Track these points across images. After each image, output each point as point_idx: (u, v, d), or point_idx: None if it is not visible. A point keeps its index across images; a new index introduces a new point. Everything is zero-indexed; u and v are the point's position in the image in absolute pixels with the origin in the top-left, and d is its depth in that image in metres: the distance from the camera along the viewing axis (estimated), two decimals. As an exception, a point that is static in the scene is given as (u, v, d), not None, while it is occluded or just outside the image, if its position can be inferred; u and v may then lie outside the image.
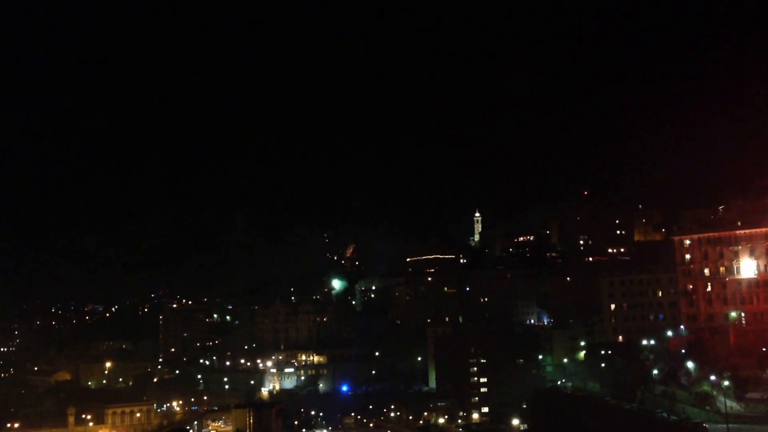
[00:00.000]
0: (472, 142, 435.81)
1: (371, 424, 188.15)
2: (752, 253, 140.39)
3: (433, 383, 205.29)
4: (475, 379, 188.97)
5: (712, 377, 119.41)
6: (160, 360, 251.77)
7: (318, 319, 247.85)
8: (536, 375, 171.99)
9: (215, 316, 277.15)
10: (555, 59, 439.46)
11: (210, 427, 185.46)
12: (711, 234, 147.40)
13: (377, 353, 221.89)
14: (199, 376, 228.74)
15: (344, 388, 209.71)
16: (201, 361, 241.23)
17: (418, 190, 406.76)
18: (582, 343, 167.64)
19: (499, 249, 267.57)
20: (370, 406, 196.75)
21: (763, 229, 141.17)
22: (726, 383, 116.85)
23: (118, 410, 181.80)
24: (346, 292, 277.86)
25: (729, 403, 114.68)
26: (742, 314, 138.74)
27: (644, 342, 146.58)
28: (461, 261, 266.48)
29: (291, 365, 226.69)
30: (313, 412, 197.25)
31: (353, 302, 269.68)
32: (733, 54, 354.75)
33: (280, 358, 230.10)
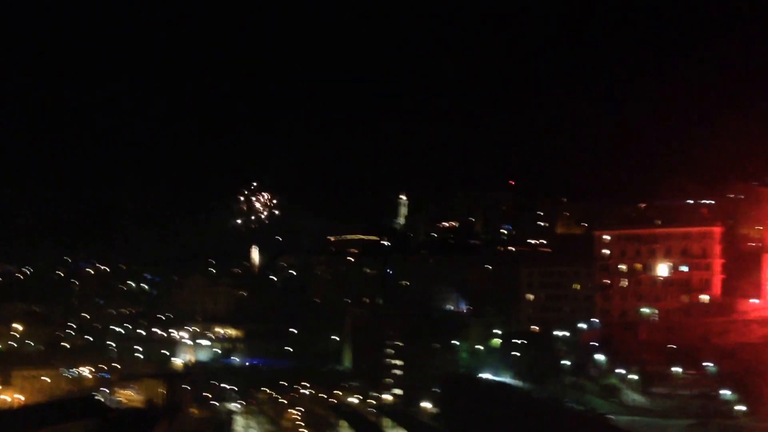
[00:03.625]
0: (402, 124, 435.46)
1: (283, 400, 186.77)
2: (668, 252, 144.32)
3: (348, 363, 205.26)
4: (390, 361, 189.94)
5: (621, 371, 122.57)
6: (73, 325, 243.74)
7: (237, 292, 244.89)
8: (450, 360, 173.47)
9: (132, 284, 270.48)
10: (489, 46, 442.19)
11: (120, 396, 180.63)
12: (630, 231, 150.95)
13: (294, 330, 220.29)
14: (112, 344, 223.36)
15: (259, 363, 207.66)
16: (114, 328, 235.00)
17: (344, 170, 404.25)
18: (498, 332, 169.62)
19: (423, 234, 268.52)
20: (284, 382, 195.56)
21: (680, 229, 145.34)
22: (633, 377, 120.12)
23: (27, 374, 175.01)
24: (266, 267, 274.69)
25: (635, 396, 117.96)
26: (655, 311, 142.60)
27: (558, 333, 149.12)
28: (384, 243, 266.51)
29: (206, 337, 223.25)
30: (225, 385, 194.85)
31: (273, 278, 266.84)
32: (664, 47, 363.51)
33: (196, 329, 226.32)
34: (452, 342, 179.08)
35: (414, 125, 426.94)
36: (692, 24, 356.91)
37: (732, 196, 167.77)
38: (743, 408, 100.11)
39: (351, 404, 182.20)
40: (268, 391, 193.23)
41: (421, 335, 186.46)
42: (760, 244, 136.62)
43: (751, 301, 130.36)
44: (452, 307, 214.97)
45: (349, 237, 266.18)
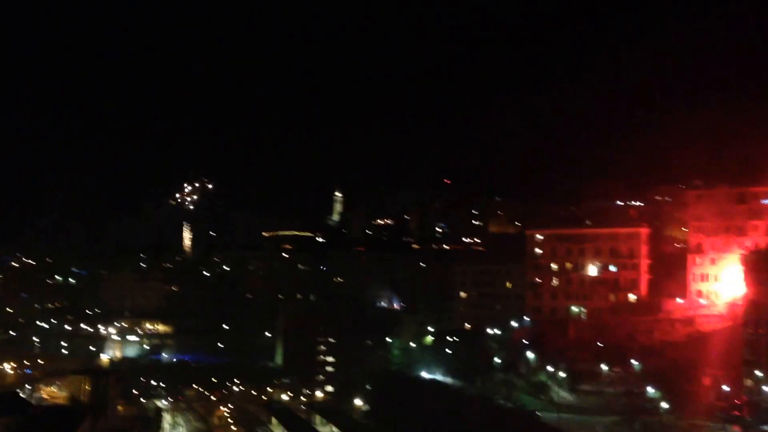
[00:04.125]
0: (337, 122, 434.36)
1: (213, 397, 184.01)
2: (597, 252, 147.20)
3: (280, 360, 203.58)
4: (323, 357, 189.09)
5: (550, 368, 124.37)
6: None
7: (167, 288, 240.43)
8: (383, 357, 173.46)
9: (59, 278, 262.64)
10: (425, 47, 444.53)
11: (43, 393, 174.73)
12: (561, 231, 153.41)
13: (226, 326, 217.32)
14: (36, 339, 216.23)
15: (189, 359, 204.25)
16: (39, 323, 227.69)
17: (280, 165, 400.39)
18: (431, 329, 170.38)
19: (358, 230, 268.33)
20: (214, 379, 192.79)
21: (609, 230, 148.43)
22: (562, 375, 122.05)
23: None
24: (198, 263, 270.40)
25: (563, 393, 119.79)
26: (584, 310, 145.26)
27: (490, 331, 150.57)
28: (319, 239, 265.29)
29: (135, 333, 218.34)
30: (154, 382, 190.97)
31: (205, 274, 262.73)
32: (596, 51, 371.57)
33: (124, 325, 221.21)
34: (385, 339, 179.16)
35: (350, 123, 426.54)
36: (622, 27, 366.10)
37: (659, 198, 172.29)
38: (667, 405, 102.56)
39: (282, 401, 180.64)
40: (198, 387, 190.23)
41: (354, 332, 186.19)
42: (685, 246, 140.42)
43: (676, 300, 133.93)
44: (386, 304, 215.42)
45: (283, 233, 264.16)
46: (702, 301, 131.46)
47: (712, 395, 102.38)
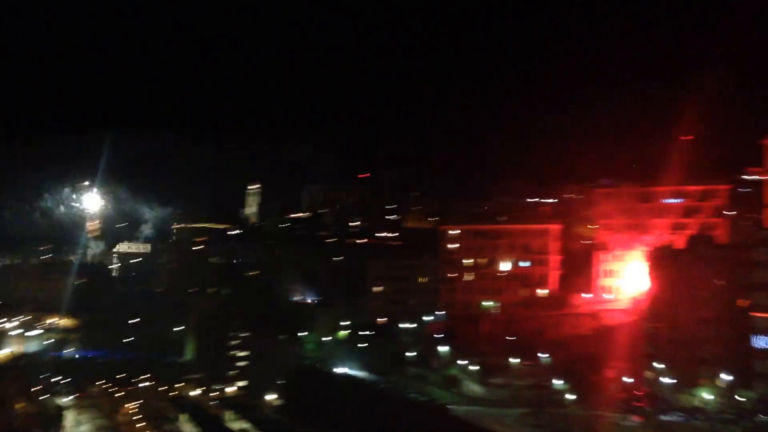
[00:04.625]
0: (252, 112, 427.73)
1: (119, 393, 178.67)
2: (510, 248, 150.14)
3: (190, 355, 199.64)
4: (235, 352, 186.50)
5: (462, 362, 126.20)
6: None
7: (72, 281, 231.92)
8: (296, 352, 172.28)
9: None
10: (342, 40, 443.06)
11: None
12: (475, 226, 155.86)
13: (134, 321, 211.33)
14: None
15: (94, 355, 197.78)
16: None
17: (192, 156, 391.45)
18: (345, 323, 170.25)
19: (273, 224, 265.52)
20: (121, 375, 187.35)
21: (522, 226, 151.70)
22: (473, 368, 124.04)
23: None
24: (106, 255, 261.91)
25: (474, 386, 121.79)
26: (495, 304, 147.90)
27: (403, 325, 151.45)
28: (232, 232, 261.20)
29: (37, 328, 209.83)
30: (56, 379, 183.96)
31: (113, 267, 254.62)
32: (519, 49, 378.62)
33: (26, 319, 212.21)
34: (299, 333, 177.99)
35: (265, 114, 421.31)
36: (534, 24, 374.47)
37: (569, 196, 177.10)
38: (573, 397, 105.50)
39: (192, 397, 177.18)
40: (102, 384, 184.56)
41: (267, 326, 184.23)
42: (593, 242, 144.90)
43: (584, 295, 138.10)
44: (300, 299, 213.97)
45: (195, 225, 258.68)
46: (607, 296, 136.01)
47: (615, 387, 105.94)
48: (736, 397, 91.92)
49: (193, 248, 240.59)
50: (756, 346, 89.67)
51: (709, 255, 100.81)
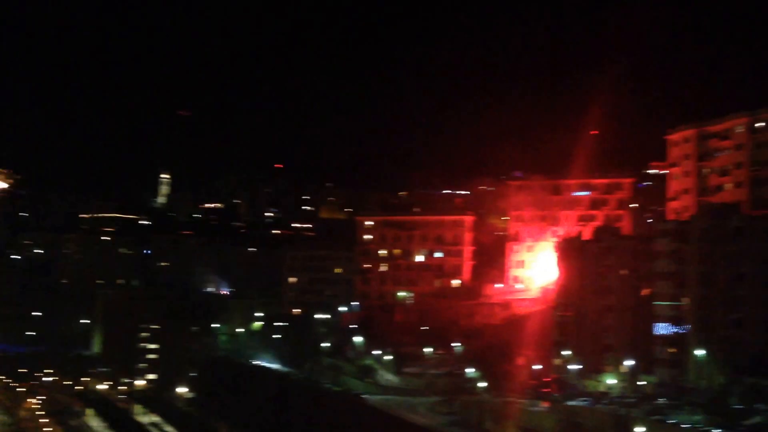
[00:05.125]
0: (166, 100, 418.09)
1: (22, 388, 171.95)
2: (424, 239, 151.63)
3: (98, 348, 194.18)
4: (145, 345, 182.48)
5: (377, 352, 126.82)
6: None
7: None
8: (209, 344, 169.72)
9: None
10: (261, 31, 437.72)
11: None
12: (390, 217, 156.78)
13: (38, 313, 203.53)
14: None
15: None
16: None
17: (101, 143, 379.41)
18: (260, 314, 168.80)
19: (186, 214, 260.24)
20: (23, 369, 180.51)
21: (436, 217, 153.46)
22: (388, 358, 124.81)
23: None
24: (7, 246, 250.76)
25: (388, 376, 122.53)
26: (410, 295, 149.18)
27: (319, 316, 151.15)
28: (142, 222, 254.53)
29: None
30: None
31: (15, 257, 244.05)
32: (434, 43, 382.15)
33: None
34: (212, 325, 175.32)
35: (178, 101, 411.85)
36: (447, 20, 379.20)
37: (483, 188, 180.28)
38: (484, 384, 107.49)
39: (100, 391, 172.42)
40: (3, 378, 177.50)
41: (179, 318, 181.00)
42: (505, 234, 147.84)
43: (496, 285, 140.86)
44: (214, 290, 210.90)
45: (103, 215, 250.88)
46: (519, 286, 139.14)
47: (525, 374, 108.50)
48: (639, 381, 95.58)
49: (101, 238, 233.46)
50: (658, 332, 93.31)
51: (614, 246, 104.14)
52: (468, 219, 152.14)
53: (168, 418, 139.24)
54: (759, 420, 72.97)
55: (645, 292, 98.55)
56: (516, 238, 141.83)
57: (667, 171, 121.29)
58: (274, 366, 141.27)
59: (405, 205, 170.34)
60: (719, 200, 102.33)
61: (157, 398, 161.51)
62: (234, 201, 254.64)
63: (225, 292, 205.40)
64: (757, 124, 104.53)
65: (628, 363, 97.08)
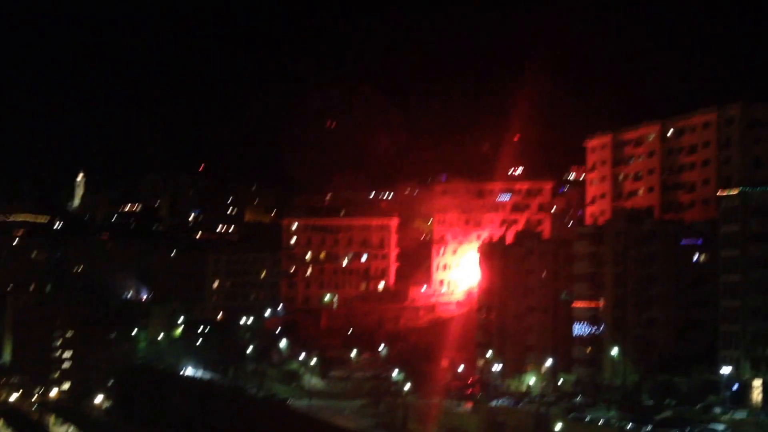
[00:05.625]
0: (80, 97, 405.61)
1: None
2: (350, 242, 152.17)
3: (8, 357, 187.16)
4: (59, 353, 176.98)
5: (302, 356, 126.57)
6: None
7: None
8: (128, 351, 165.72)
9: None
10: (187, 35, 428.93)
11: None
12: (316, 221, 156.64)
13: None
14: None
15: None
16: None
17: (10, 140, 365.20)
18: (182, 320, 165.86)
19: (102, 217, 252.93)
20: None
21: (361, 221, 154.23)
22: (314, 362, 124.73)
23: None
24: None
25: (314, 380, 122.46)
26: (336, 298, 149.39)
27: (243, 321, 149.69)
28: (56, 226, 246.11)
29: None
30: None
31: None
32: (356, 49, 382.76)
33: None
34: (131, 332, 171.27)
35: (93, 99, 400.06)
36: (362, 22, 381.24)
37: (408, 191, 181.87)
38: (409, 386, 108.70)
39: (10, 402, 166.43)
40: None
41: (96, 325, 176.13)
42: (430, 237, 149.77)
43: (421, 289, 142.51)
44: (133, 295, 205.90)
45: (12, 217, 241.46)
46: (444, 288, 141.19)
47: (449, 376, 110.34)
48: (558, 380, 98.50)
49: (10, 241, 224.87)
50: (576, 332, 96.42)
51: (535, 249, 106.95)
52: (393, 222, 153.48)
53: (84, 429, 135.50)
54: (669, 415, 76.46)
55: (564, 293, 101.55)
56: (441, 241, 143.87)
57: (586, 176, 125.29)
58: (197, 372, 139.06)
59: (331, 208, 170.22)
60: (633, 204, 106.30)
61: (72, 408, 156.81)
62: (155, 203, 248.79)
63: (145, 298, 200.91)
64: (668, 132, 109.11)
65: (549, 363, 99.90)
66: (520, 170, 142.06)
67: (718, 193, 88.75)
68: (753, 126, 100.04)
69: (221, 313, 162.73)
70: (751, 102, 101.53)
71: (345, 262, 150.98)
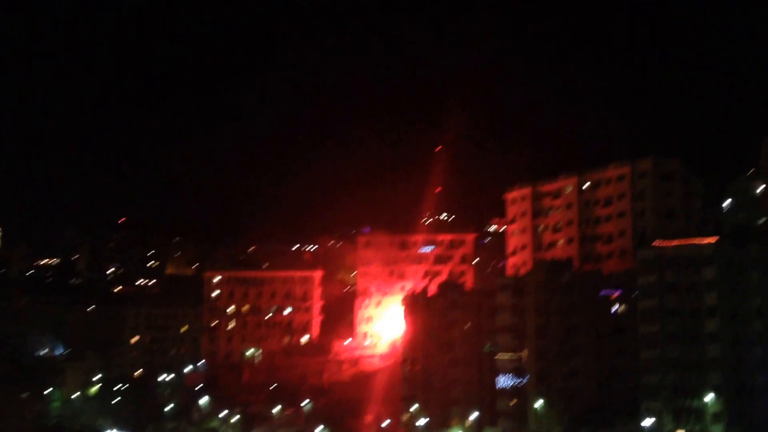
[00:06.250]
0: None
1: None
2: (273, 295, 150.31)
3: None
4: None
5: (224, 413, 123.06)
6: None
7: None
8: (41, 411, 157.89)
9: None
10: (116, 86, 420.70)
11: None
12: (239, 273, 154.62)
13: None
14: None
15: None
16: None
17: None
18: (98, 377, 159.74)
19: (17, 271, 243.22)
20: None
21: (285, 273, 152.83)
22: (235, 419, 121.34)
23: None
24: None
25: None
26: (259, 352, 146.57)
27: (162, 377, 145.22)
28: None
29: None
30: None
31: None
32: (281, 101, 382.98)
33: None
34: (45, 390, 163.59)
35: (10, 154, 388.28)
36: (290, 77, 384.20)
37: (331, 243, 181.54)
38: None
39: None
40: None
41: (6, 384, 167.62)
42: (354, 289, 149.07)
43: (345, 341, 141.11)
44: (47, 352, 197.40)
45: None
46: (368, 341, 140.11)
47: (374, 430, 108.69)
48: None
49: None
50: (500, 385, 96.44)
51: (458, 300, 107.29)
52: (317, 275, 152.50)
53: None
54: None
55: (488, 345, 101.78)
56: (365, 294, 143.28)
57: (507, 228, 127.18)
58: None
59: (254, 261, 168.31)
60: (554, 256, 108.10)
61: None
62: (72, 256, 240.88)
63: (60, 354, 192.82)
64: (584, 185, 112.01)
65: (474, 416, 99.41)
66: (443, 222, 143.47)
67: (634, 245, 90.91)
68: (664, 179, 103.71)
69: (140, 369, 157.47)
70: (663, 156, 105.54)
71: (268, 315, 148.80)
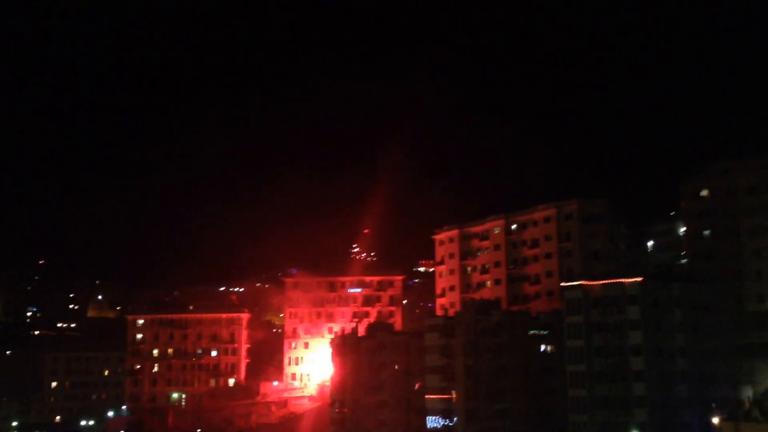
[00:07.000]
0: None
1: None
2: (199, 337, 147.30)
3: None
4: None
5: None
6: None
7: None
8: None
9: None
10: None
11: None
12: (163, 315, 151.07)
13: None
14: None
15: None
16: None
17: None
18: (15, 424, 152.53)
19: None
20: None
21: (211, 315, 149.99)
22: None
23: None
24: None
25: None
26: (183, 395, 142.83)
27: (84, 422, 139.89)
28: None
29: None
30: None
31: None
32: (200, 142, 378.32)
33: None
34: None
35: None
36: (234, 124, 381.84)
37: (259, 285, 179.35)
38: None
39: None
40: None
41: None
42: (281, 330, 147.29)
43: (273, 383, 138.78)
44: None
45: None
46: (296, 383, 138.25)
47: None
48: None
49: None
50: (430, 425, 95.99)
51: (386, 341, 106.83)
52: (244, 316, 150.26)
53: None
54: None
55: (417, 386, 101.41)
56: (293, 335, 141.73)
57: (435, 269, 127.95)
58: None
59: (179, 303, 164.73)
60: (482, 296, 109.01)
61: None
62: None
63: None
64: (512, 226, 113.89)
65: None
66: (371, 263, 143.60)
67: (561, 285, 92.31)
68: (589, 221, 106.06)
69: (60, 415, 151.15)
70: (588, 198, 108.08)
71: (194, 358, 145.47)
